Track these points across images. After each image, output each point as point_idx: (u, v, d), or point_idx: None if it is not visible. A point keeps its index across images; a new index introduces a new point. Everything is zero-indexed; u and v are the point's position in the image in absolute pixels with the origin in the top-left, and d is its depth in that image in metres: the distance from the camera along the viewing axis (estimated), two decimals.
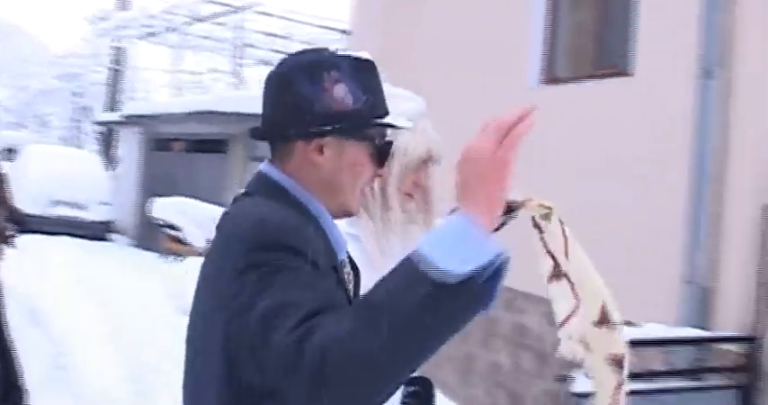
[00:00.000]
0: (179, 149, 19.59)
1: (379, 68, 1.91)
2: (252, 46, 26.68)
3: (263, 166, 1.90)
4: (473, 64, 8.46)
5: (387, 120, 1.88)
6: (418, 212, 2.61)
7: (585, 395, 3.91)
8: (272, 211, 1.74)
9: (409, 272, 1.44)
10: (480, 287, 1.43)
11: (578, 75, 7.45)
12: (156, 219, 16.38)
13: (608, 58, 7.22)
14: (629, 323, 5.15)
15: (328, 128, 1.82)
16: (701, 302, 5.70)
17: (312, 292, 1.57)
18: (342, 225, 2.00)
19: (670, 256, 5.94)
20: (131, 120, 21.07)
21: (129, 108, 22.57)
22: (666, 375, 5.49)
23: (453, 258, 1.42)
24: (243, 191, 1.89)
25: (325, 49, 1.89)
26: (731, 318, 5.59)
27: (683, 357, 5.66)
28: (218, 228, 1.80)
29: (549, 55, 7.77)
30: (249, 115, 15.76)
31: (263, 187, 1.86)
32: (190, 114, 16.80)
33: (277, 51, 24.25)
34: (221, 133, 17.01)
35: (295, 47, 16.26)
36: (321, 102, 1.81)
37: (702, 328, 5.64)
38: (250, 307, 1.58)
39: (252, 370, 1.62)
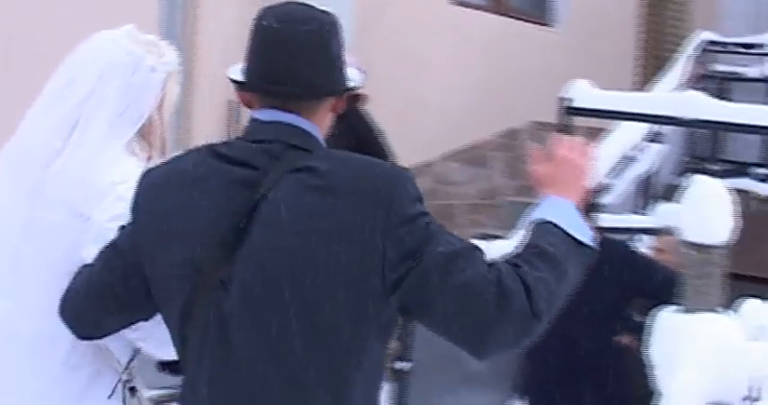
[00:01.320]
0: None
1: None
2: None
3: (293, 119, 1.90)
4: None
5: None
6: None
7: None
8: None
9: (569, 240, 1.86)
10: None
11: None
12: None
13: None
14: None
15: (352, 85, 1.97)
16: None
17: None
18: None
19: None
20: None
21: None
22: None
23: (583, 232, 1.89)
24: (272, 140, 1.88)
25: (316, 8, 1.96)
26: None
27: None
28: (329, 186, 1.80)
29: None
30: None
31: (316, 143, 1.91)
32: None
33: None
34: None
35: None
36: (344, 61, 1.93)
37: None
38: (430, 250, 1.76)
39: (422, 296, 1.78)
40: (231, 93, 5.42)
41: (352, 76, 1.99)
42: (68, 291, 2.07)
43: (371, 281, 1.76)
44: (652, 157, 6.63)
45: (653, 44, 10.24)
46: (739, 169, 8.09)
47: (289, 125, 1.88)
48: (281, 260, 1.79)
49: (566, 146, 1.99)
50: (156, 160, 2.36)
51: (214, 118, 5.88)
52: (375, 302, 1.79)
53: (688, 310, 3.24)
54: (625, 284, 4.12)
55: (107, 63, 2.37)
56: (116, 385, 2.26)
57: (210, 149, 1.92)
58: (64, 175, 2.27)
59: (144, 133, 2.40)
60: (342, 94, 1.95)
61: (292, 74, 1.88)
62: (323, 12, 1.93)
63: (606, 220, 5.41)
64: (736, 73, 8.39)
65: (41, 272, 2.21)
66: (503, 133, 7.78)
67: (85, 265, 2.07)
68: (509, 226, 6.78)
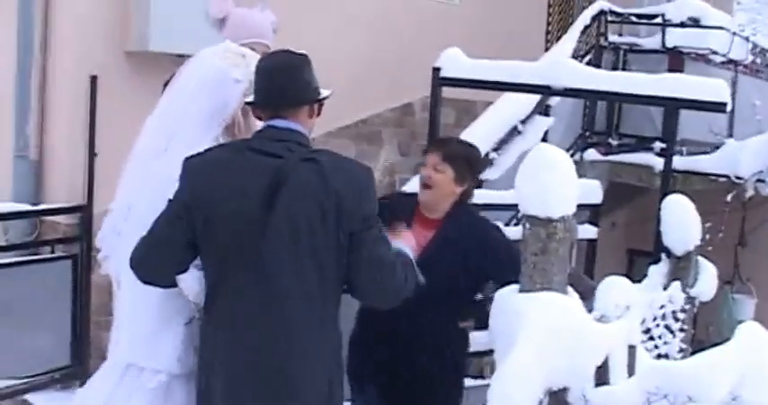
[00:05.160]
0: None
1: None
2: None
3: (293, 125, 2.93)
4: None
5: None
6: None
7: None
8: None
9: (412, 266, 3.03)
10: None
11: None
12: None
13: None
14: None
15: (323, 97, 3.00)
16: (33, 176, 5.63)
17: None
18: None
19: (1, 131, 5.78)
20: None
21: None
22: (2, 251, 5.37)
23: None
24: (287, 139, 2.89)
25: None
26: (62, 189, 5.59)
27: (17, 232, 5.58)
28: (326, 173, 2.83)
29: None
30: None
31: (309, 141, 2.97)
32: None
33: None
34: None
35: None
36: (315, 83, 2.98)
37: (36, 203, 5.59)
38: (374, 228, 2.89)
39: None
40: (94, 67, 5.23)
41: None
42: (136, 248, 2.88)
43: (342, 237, 2.82)
44: (541, 131, 6.40)
45: (562, 17, 10.06)
46: (641, 144, 7.89)
47: (294, 130, 2.91)
48: (301, 218, 2.78)
49: (407, 233, 3.26)
50: None
51: (72, 90, 5.56)
52: (343, 252, 2.84)
53: (525, 289, 3.00)
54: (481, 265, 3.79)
55: (197, 81, 3.12)
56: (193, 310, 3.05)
57: (245, 145, 2.90)
58: (168, 162, 2.99)
59: (228, 128, 3.15)
60: (314, 103, 2.98)
61: (279, 92, 2.91)
62: (298, 53, 2.97)
63: (486, 196, 5.17)
64: (634, 44, 8.20)
65: None
66: (395, 109, 7.52)
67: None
68: None
